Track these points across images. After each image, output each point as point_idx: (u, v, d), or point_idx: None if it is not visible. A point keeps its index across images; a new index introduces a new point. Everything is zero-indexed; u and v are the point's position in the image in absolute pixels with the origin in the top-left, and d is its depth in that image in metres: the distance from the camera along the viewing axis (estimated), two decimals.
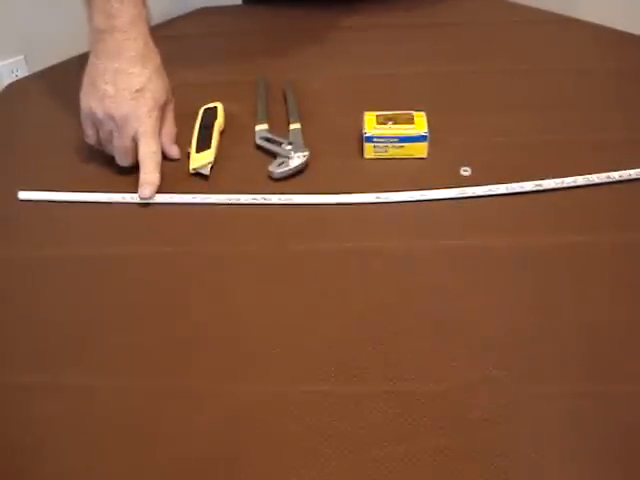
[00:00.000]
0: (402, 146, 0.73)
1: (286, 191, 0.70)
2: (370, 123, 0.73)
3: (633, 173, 0.68)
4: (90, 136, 0.73)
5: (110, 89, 0.70)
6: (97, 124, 0.71)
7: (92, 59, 0.71)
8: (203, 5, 1.08)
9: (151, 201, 0.70)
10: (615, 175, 0.68)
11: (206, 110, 0.79)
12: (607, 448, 0.48)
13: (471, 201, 0.68)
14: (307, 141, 0.75)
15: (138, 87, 0.70)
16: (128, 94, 0.70)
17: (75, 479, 0.48)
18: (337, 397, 0.51)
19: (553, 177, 0.68)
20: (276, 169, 0.71)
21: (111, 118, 0.70)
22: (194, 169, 0.73)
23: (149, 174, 0.70)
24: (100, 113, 0.70)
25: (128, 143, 0.71)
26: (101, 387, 0.54)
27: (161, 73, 0.73)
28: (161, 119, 0.73)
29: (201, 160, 0.73)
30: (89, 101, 0.71)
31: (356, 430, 0.49)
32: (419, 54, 0.90)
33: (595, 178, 0.68)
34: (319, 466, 0.47)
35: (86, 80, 0.72)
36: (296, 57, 0.92)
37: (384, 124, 0.73)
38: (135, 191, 0.70)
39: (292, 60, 0.90)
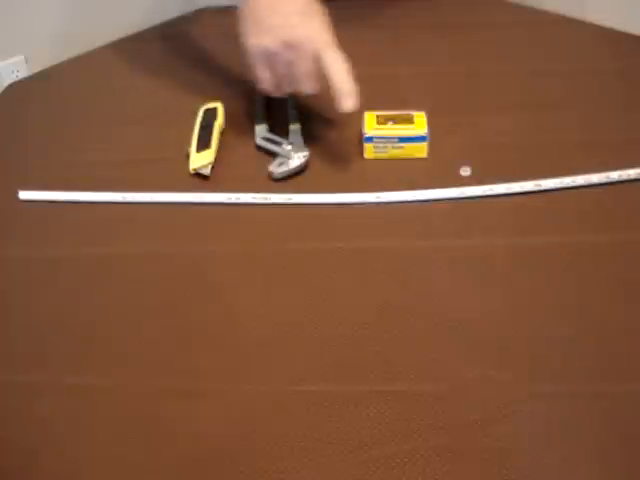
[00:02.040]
0: (402, 146, 0.73)
1: (286, 191, 0.70)
2: (370, 123, 0.73)
3: (633, 173, 0.68)
4: (266, 79, 0.71)
5: (277, 20, 0.68)
6: (272, 60, 0.69)
7: (247, 6, 0.70)
8: (203, 5, 1.08)
9: (151, 201, 0.70)
10: (615, 175, 0.68)
11: (206, 110, 0.79)
12: (607, 448, 0.48)
13: (471, 201, 0.68)
14: (307, 141, 0.75)
15: (302, 10, 0.69)
16: (296, 18, 0.68)
17: (75, 479, 0.48)
18: (337, 397, 0.51)
19: (553, 177, 0.68)
20: (276, 169, 0.71)
21: (288, 45, 0.67)
22: (194, 169, 0.73)
23: (345, 83, 0.68)
24: (275, 45, 0.68)
25: (311, 64, 0.68)
26: (101, 387, 0.54)
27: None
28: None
29: (201, 160, 0.73)
30: (259, 40, 0.69)
31: (356, 430, 0.49)
32: (419, 54, 0.90)
33: (595, 178, 0.68)
34: (319, 466, 0.47)
35: (248, 25, 0.70)
36: None
37: (384, 124, 0.73)
38: (135, 191, 0.70)
39: None
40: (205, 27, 1.02)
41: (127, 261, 0.65)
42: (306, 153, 0.73)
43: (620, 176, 0.68)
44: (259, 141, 0.76)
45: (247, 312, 0.59)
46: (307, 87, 0.70)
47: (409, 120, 0.73)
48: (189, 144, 0.75)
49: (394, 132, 0.72)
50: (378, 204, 0.68)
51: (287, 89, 0.72)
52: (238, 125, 0.79)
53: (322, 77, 0.70)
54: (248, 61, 0.71)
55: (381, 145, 0.73)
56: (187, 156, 0.74)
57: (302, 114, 0.79)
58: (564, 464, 0.47)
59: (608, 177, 0.68)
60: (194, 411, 0.52)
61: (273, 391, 0.52)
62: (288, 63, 0.69)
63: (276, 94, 0.74)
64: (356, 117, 0.75)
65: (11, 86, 0.94)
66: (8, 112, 0.88)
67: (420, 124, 0.73)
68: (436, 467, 0.47)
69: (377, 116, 0.74)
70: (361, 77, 0.88)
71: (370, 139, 0.73)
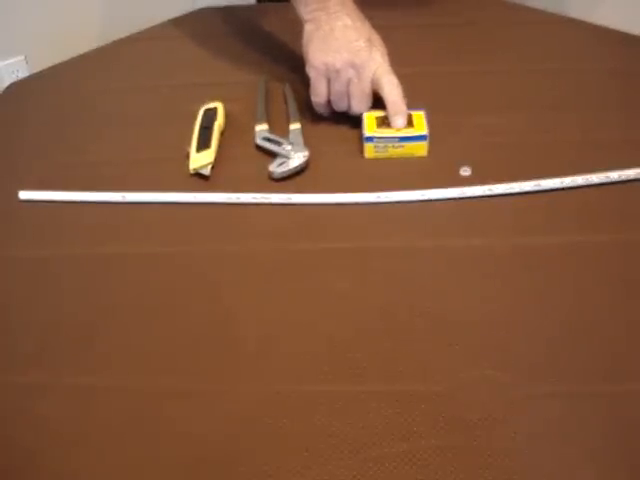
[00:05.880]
0: (402, 146, 0.73)
1: (286, 191, 0.70)
2: (370, 123, 0.73)
3: (633, 173, 0.68)
4: (321, 94, 0.76)
5: (343, 42, 0.74)
6: (332, 78, 0.74)
7: (313, 26, 0.76)
8: (203, 5, 1.08)
9: (151, 201, 0.70)
10: (615, 175, 0.68)
11: (206, 110, 0.79)
12: (607, 448, 0.48)
13: (471, 201, 0.68)
14: (307, 141, 0.75)
15: (367, 36, 0.75)
16: (362, 42, 0.74)
17: (75, 479, 0.48)
18: (337, 397, 0.51)
19: (552, 177, 0.68)
20: (276, 169, 0.71)
21: (351, 65, 0.73)
22: (194, 169, 0.73)
23: (399, 105, 0.73)
24: (339, 63, 0.73)
25: (368, 85, 0.74)
26: (101, 387, 0.54)
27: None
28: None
29: (201, 160, 0.73)
30: (325, 57, 0.74)
31: (356, 430, 0.49)
32: (419, 54, 0.90)
33: (595, 178, 0.68)
34: (319, 466, 0.47)
35: (314, 43, 0.75)
36: (297, 57, 0.92)
37: (384, 124, 0.73)
38: (135, 191, 0.70)
39: (292, 60, 0.90)
40: (205, 27, 1.02)
41: (127, 261, 0.65)
42: (306, 153, 0.73)
43: (620, 176, 0.68)
44: (259, 141, 0.76)
45: (247, 312, 0.59)
46: (359, 106, 0.76)
47: (408, 120, 0.73)
48: (189, 144, 0.75)
49: (395, 133, 0.72)
50: (378, 204, 0.68)
51: (339, 106, 0.77)
52: (238, 125, 0.79)
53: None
54: (309, 74, 0.76)
55: (382, 145, 0.73)
56: (187, 156, 0.74)
57: (302, 114, 0.79)
58: (564, 464, 0.47)
59: (608, 177, 0.68)
60: (194, 411, 0.52)
61: (273, 391, 0.52)
62: (348, 81, 0.74)
63: (325, 110, 0.78)
64: (356, 117, 0.76)
65: (11, 86, 0.94)
66: (8, 112, 0.88)
67: (420, 123, 0.73)
68: (436, 467, 0.47)
69: (377, 117, 0.74)
70: None
71: (371, 139, 0.73)
